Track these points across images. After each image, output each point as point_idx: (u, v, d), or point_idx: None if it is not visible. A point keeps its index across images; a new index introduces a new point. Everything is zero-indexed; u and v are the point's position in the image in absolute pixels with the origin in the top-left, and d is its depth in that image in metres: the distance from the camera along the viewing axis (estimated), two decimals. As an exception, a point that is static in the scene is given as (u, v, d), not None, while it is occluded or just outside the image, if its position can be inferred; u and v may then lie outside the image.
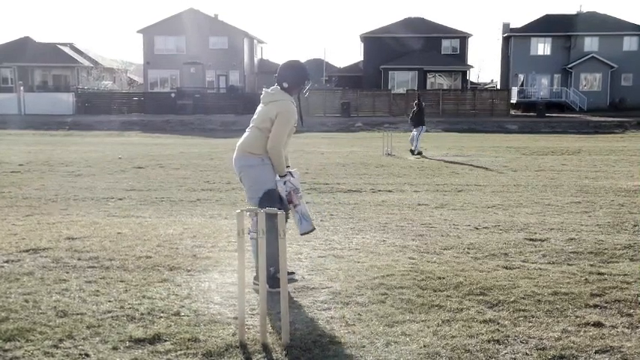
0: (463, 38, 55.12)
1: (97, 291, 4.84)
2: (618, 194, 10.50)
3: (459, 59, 54.09)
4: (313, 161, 16.65)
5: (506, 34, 54.53)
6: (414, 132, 19.13)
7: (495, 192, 10.93)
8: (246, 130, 5.28)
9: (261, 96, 5.27)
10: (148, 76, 55.36)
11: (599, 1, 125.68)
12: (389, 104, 44.93)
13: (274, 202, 4.90)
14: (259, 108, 5.24)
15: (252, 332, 4.00)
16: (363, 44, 55.70)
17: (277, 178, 5.00)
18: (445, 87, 51.99)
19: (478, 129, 35.93)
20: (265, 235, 4.04)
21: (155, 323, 4.15)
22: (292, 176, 5.08)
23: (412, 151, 18.64)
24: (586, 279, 5.21)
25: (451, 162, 16.71)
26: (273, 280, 4.75)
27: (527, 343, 3.85)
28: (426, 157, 17.90)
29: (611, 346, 3.80)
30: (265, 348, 3.79)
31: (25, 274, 5.29)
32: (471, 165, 15.89)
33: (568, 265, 5.73)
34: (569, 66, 51.29)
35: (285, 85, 5.18)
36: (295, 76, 5.21)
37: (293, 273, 5.19)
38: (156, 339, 3.88)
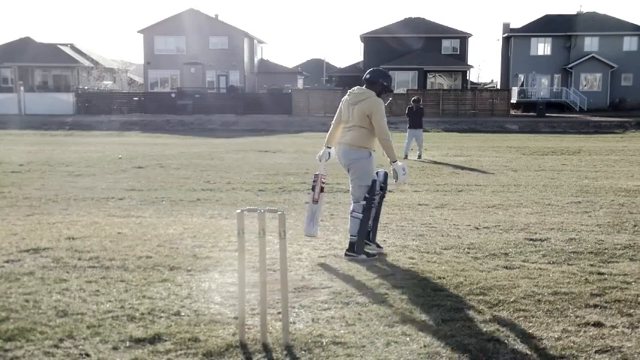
0: (463, 38, 55.11)
1: (98, 291, 4.84)
2: (618, 194, 10.50)
3: (459, 59, 54.07)
4: (314, 161, 16.62)
5: (506, 34, 54.52)
6: (413, 136, 18.38)
7: (495, 192, 10.94)
8: (344, 127, 6.10)
9: (347, 97, 6.07)
10: (148, 76, 55.38)
11: (599, 1, 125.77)
12: (389, 104, 44.86)
13: (376, 190, 6.01)
14: (349, 108, 6.01)
15: (252, 332, 4.00)
16: (363, 44, 55.70)
17: (392, 163, 5.95)
18: (445, 87, 51.99)
19: (478, 129, 35.95)
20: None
21: (155, 323, 4.15)
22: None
23: (419, 156, 17.92)
24: (586, 279, 5.22)
25: (451, 162, 16.71)
26: (353, 246, 5.91)
27: (527, 343, 3.85)
28: (421, 160, 17.58)
29: (611, 346, 3.80)
30: (265, 348, 3.79)
31: (26, 273, 5.29)
32: (471, 165, 15.89)
33: (568, 265, 5.74)
34: (569, 66, 51.28)
35: (374, 86, 6.04)
36: (384, 80, 6.11)
37: (374, 255, 5.99)
38: (156, 339, 3.89)
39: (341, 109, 6.12)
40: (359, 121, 5.90)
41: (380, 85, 6.03)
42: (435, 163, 16.59)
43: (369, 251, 6.02)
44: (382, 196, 6.22)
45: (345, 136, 6.05)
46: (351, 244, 5.96)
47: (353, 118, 5.95)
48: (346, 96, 6.11)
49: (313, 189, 6.13)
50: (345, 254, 5.97)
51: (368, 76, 6.10)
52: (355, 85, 6.32)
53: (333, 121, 6.31)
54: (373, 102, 5.89)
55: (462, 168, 15.14)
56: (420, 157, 17.89)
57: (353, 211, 6.02)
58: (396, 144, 20.51)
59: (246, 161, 16.82)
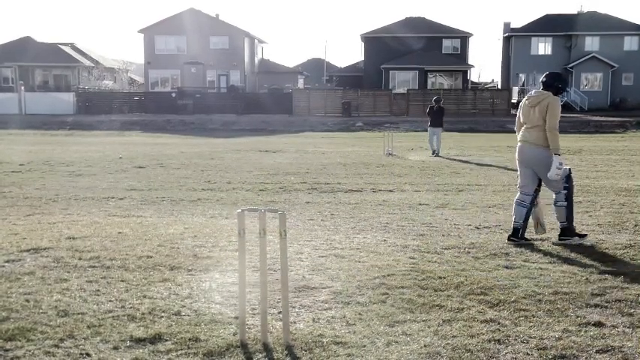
0: (464, 38, 55.08)
1: (98, 290, 4.84)
2: (619, 194, 10.49)
3: (459, 59, 54.04)
4: (314, 161, 16.66)
5: (506, 34, 54.50)
6: (434, 134, 19.06)
7: (496, 191, 10.93)
8: (525, 128, 6.65)
9: (526, 101, 6.66)
10: (148, 75, 55.36)
11: (600, 1, 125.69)
12: (390, 104, 44.90)
13: (571, 176, 6.62)
14: (529, 110, 6.56)
15: (252, 332, 4.00)
16: (363, 44, 55.67)
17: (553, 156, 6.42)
18: (446, 87, 51.96)
19: (479, 129, 35.94)
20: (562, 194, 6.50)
21: (156, 323, 4.15)
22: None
23: (437, 153, 18.65)
24: (587, 279, 5.21)
25: (452, 161, 16.71)
26: (566, 231, 6.54)
27: (527, 342, 3.85)
28: (441, 157, 18.06)
29: (612, 346, 3.80)
30: (266, 347, 3.79)
31: (26, 273, 5.29)
32: (472, 165, 15.89)
33: (569, 264, 5.73)
34: (570, 66, 51.23)
35: (550, 88, 6.61)
36: (558, 82, 6.69)
37: (585, 235, 6.64)
38: (157, 338, 3.89)
39: (520, 113, 6.72)
40: (540, 120, 6.47)
41: (555, 87, 6.60)
42: (436, 162, 16.58)
43: (580, 234, 6.67)
44: (537, 193, 6.73)
45: (527, 135, 6.62)
46: (563, 230, 6.62)
47: (534, 119, 6.51)
48: (524, 100, 6.69)
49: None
50: (559, 239, 6.60)
51: (544, 79, 6.67)
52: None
53: (515, 127, 6.91)
54: (551, 100, 6.47)
55: (463, 168, 15.14)
56: (436, 153, 18.60)
57: (557, 201, 6.63)
58: (405, 144, 20.83)
59: (247, 161, 16.83)
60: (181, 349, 3.73)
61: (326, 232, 7.26)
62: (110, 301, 4.60)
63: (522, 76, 52.75)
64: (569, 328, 4.09)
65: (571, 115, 45.52)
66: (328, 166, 15.39)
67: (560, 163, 6.41)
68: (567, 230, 6.59)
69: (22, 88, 46.65)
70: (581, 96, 49.97)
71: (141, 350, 3.72)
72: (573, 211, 6.69)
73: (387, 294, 4.79)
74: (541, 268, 5.56)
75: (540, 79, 6.73)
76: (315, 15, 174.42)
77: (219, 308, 4.48)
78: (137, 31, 55.41)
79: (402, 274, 5.32)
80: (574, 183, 6.77)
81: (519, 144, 6.74)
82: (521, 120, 6.71)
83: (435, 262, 5.80)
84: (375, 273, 5.36)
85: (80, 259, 5.78)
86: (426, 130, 20.92)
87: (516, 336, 3.95)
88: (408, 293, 4.80)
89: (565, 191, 6.58)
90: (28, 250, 6.09)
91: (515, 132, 7.00)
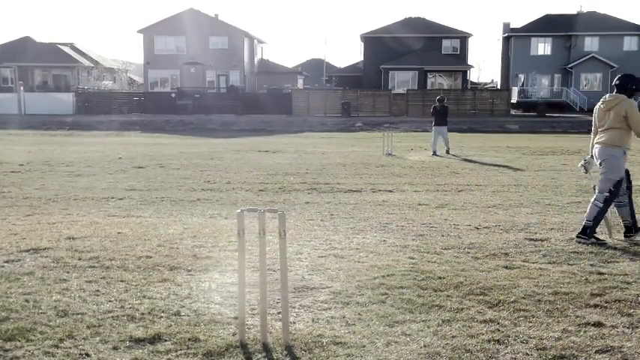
0: (463, 38, 55.10)
1: (98, 291, 4.84)
2: (618, 194, 10.49)
3: (459, 59, 54.06)
4: (314, 161, 16.65)
5: (506, 34, 54.52)
6: (438, 134, 19.21)
7: (496, 192, 10.93)
8: (600, 131, 6.77)
9: (601, 105, 6.80)
10: (148, 76, 55.38)
11: (600, 1, 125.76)
12: (389, 104, 44.89)
13: (621, 185, 6.64)
14: (605, 114, 6.70)
15: (252, 332, 4.00)
16: (363, 44, 55.68)
17: None
18: (445, 87, 51.96)
19: (478, 129, 35.93)
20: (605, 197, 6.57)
21: (155, 323, 4.15)
22: None
23: (448, 151, 18.98)
24: (586, 279, 5.22)
25: (451, 161, 16.72)
26: (587, 230, 6.58)
27: (527, 343, 3.85)
28: (447, 156, 18.23)
29: (611, 346, 3.80)
30: (266, 348, 3.79)
31: (26, 273, 5.29)
32: (471, 165, 15.89)
33: (568, 264, 5.74)
34: (570, 66, 51.27)
35: (624, 91, 6.70)
36: (632, 84, 6.74)
37: (603, 241, 6.61)
38: (156, 339, 3.89)
39: (595, 117, 6.87)
40: (615, 122, 6.58)
41: (629, 89, 6.66)
42: (436, 162, 16.58)
43: (599, 238, 6.66)
44: (631, 191, 6.85)
45: (601, 137, 6.74)
46: (584, 228, 6.66)
47: (609, 121, 6.64)
48: (600, 104, 6.82)
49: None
50: (577, 236, 6.68)
51: (617, 82, 6.74)
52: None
53: (592, 134, 7.00)
54: (627, 103, 6.55)
55: (462, 168, 15.14)
56: (446, 151, 18.94)
57: (595, 199, 6.72)
58: (404, 144, 20.79)
59: (246, 161, 16.83)
60: (181, 350, 3.73)
61: (325, 232, 7.26)
62: (110, 301, 4.60)
63: (522, 77, 52.77)
64: (569, 328, 4.10)
65: (571, 115, 45.61)
66: (328, 166, 15.39)
67: None
68: (589, 230, 6.62)
69: (22, 88, 46.64)
70: (580, 96, 50.01)
71: (140, 350, 3.72)
72: (603, 216, 6.72)
73: (387, 294, 4.79)
74: (540, 269, 5.56)
75: (613, 82, 6.81)
76: (314, 15, 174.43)
77: (218, 308, 4.48)
78: (136, 32, 55.44)
79: (402, 274, 5.32)
80: (621, 192, 6.78)
81: (595, 146, 6.83)
82: (597, 123, 6.82)
83: (435, 262, 5.80)
84: (374, 273, 5.36)
85: (80, 259, 5.78)
86: (426, 131, 20.98)
87: (516, 336, 3.95)
88: (408, 293, 4.80)
89: (607, 194, 6.64)
90: (27, 251, 6.08)
91: (589, 133, 7.10)
